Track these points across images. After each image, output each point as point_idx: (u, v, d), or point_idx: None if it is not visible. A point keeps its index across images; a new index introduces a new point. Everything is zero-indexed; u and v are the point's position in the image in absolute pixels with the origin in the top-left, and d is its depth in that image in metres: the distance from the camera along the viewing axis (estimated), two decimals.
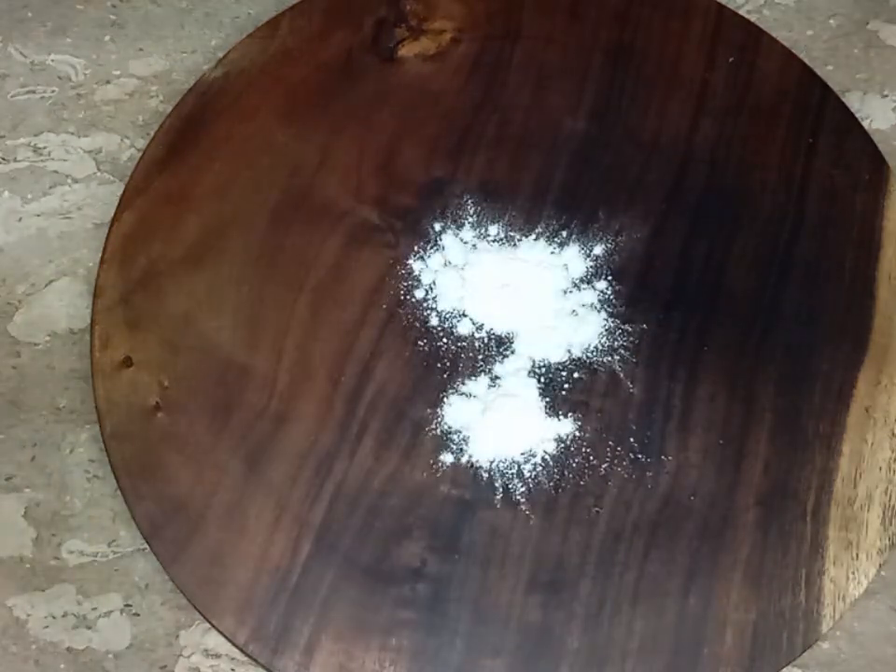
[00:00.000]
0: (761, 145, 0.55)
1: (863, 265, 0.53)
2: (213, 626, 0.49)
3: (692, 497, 0.50)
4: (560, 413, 0.51)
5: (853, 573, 0.49)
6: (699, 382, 0.52)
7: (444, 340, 0.53)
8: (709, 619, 0.48)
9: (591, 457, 0.50)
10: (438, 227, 0.54)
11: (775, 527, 0.49)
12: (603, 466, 0.50)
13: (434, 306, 0.53)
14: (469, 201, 0.55)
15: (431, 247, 0.54)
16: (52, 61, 0.60)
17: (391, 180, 0.55)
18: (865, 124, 0.57)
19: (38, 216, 0.57)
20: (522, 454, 0.51)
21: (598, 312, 0.53)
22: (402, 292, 0.53)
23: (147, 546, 0.50)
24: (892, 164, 0.55)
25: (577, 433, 0.51)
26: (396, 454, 0.51)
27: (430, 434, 0.51)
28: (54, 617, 0.51)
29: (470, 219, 0.54)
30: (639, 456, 0.51)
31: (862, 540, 0.49)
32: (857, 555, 0.49)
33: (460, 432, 0.51)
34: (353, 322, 0.53)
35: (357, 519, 0.49)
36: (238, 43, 0.57)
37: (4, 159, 0.58)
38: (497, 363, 0.52)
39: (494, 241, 0.54)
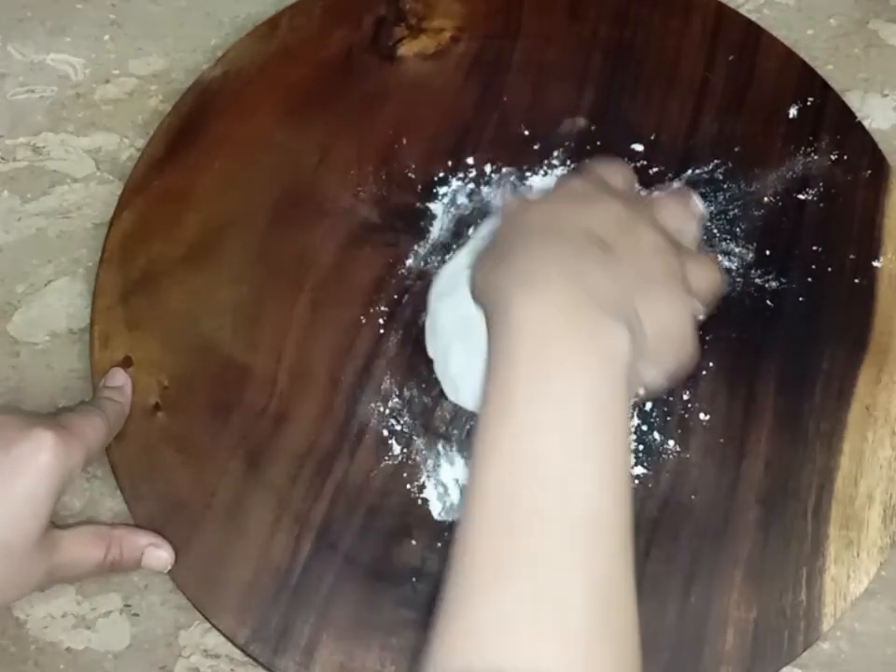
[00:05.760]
0: (761, 143, 0.55)
1: (864, 263, 0.53)
2: (213, 626, 0.49)
3: (692, 497, 0.50)
4: None
5: (854, 571, 0.49)
6: (699, 381, 0.52)
7: None
8: (710, 618, 0.48)
9: None
10: (438, 226, 0.54)
11: (775, 526, 0.49)
12: None
13: None
14: (469, 200, 0.55)
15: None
16: (52, 60, 0.60)
17: (391, 179, 0.55)
18: (866, 123, 0.56)
19: (38, 215, 0.57)
20: None
21: None
22: (402, 291, 0.53)
23: None
24: (892, 163, 0.55)
25: None
26: (397, 452, 0.51)
27: (431, 433, 0.51)
28: (53, 617, 0.51)
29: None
30: (640, 456, 0.50)
31: (863, 539, 0.49)
32: (858, 554, 0.49)
33: None
34: (353, 321, 0.53)
35: (357, 518, 0.49)
36: (237, 42, 0.57)
37: (3, 158, 0.58)
38: None
39: None
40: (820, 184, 0.55)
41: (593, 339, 0.39)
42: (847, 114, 0.56)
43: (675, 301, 0.43)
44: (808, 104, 0.56)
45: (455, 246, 0.53)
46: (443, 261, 0.53)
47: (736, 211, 0.54)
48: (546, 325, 0.39)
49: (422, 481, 0.50)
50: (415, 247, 0.54)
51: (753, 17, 0.59)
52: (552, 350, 0.38)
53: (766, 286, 0.53)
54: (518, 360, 0.39)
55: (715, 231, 0.54)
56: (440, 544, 0.49)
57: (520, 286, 0.40)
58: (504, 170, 0.55)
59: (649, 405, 0.51)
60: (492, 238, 0.46)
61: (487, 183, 0.55)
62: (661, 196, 0.48)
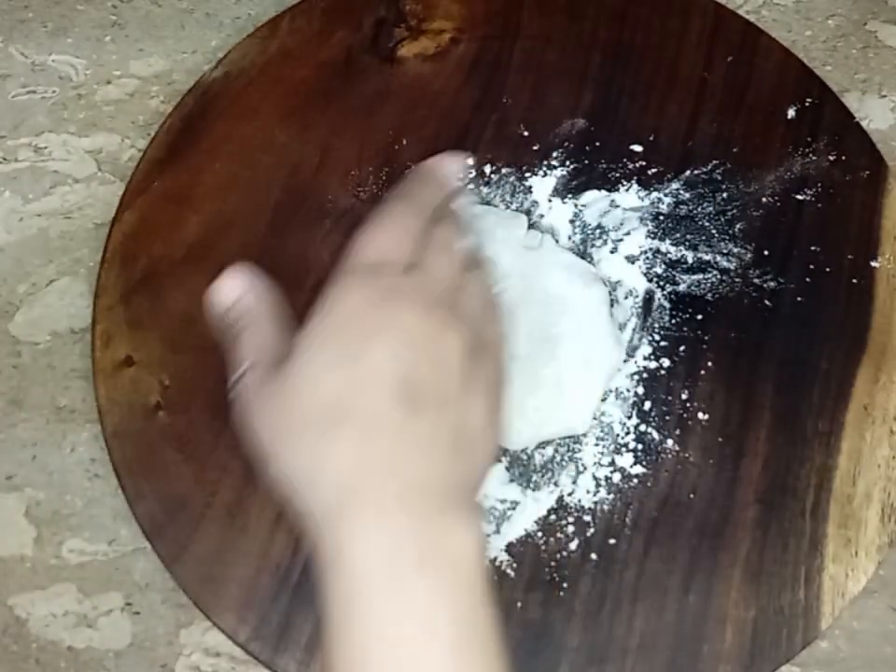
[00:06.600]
0: (759, 144, 0.56)
1: (862, 263, 0.54)
2: (214, 624, 0.49)
3: (691, 496, 0.50)
4: None
5: (852, 570, 0.49)
6: (698, 381, 0.52)
7: None
8: (709, 616, 0.48)
9: (590, 455, 0.51)
10: None
11: (774, 525, 0.50)
12: (603, 464, 0.51)
13: None
14: (469, 200, 0.55)
15: None
16: (53, 61, 0.60)
17: (391, 180, 0.55)
18: (864, 124, 0.57)
19: (39, 215, 0.57)
20: (522, 451, 0.51)
21: None
22: None
23: (148, 545, 0.50)
24: (891, 164, 0.55)
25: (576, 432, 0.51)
26: None
27: None
28: (55, 616, 0.51)
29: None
30: (639, 455, 0.51)
31: (861, 538, 0.50)
32: (856, 552, 0.49)
33: None
34: None
35: None
36: (238, 43, 0.57)
37: (5, 159, 0.58)
38: None
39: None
40: (819, 184, 0.55)
41: (437, 555, 0.35)
42: (845, 115, 0.56)
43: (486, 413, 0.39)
44: (807, 104, 0.56)
45: None
46: None
47: (735, 211, 0.54)
48: (385, 562, 0.34)
49: None
50: None
51: (752, 18, 0.59)
52: (403, 586, 0.34)
53: (765, 286, 0.53)
54: (363, 606, 0.34)
55: (714, 231, 0.54)
56: None
57: (342, 508, 0.34)
58: (504, 170, 0.55)
59: (648, 405, 0.51)
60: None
61: (487, 183, 0.55)
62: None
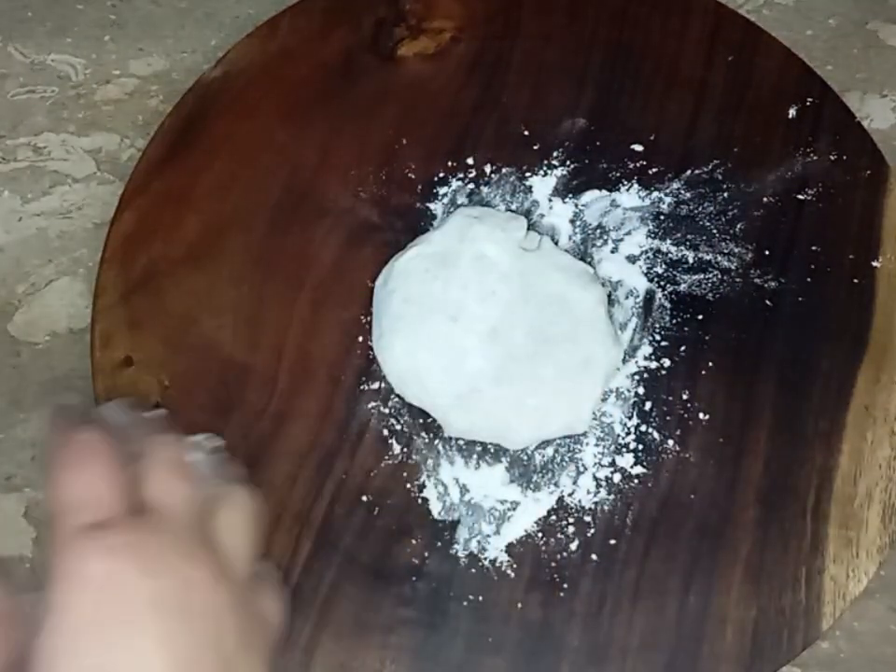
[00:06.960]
0: (760, 144, 0.56)
1: (863, 263, 0.53)
2: None
3: (692, 496, 0.50)
4: None
5: (853, 571, 0.49)
6: (699, 380, 0.52)
7: None
8: (710, 616, 0.48)
9: (591, 456, 0.51)
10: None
11: (775, 525, 0.49)
12: (603, 464, 0.50)
13: None
14: (469, 200, 0.55)
15: None
16: (52, 60, 0.60)
17: (391, 179, 0.55)
18: (865, 124, 0.57)
19: (38, 215, 0.57)
20: (522, 451, 0.51)
21: None
22: None
23: None
24: (892, 163, 0.55)
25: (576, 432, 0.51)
26: (397, 452, 0.51)
27: (431, 433, 0.51)
28: None
29: None
30: (639, 455, 0.51)
31: (863, 538, 0.49)
32: (857, 553, 0.49)
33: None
34: (353, 321, 0.53)
35: (357, 518, 0.50)
36: (238, 43, 0.57)
37: (4, 158, 0.58)
38: None
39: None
40: (819, 184, 0.55)
41: None
42: (846, 114, 0.56)
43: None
44: (807, 104, 0.56)
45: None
46: None
47: (735, 211, 0.54)
48: None
49: (422, 480, 0.50)
50: None
51: (752, 17, 0.59)
52: None
53: (766, 286, 0.53)
54: None
55: (714, 231, 0.54)
56: (439, 543, 0.49)
57: None
58: (504, 170, 0.55)
59: (648, 405, 0.51)
60: None
61: (487, 183, 0.55)
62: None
